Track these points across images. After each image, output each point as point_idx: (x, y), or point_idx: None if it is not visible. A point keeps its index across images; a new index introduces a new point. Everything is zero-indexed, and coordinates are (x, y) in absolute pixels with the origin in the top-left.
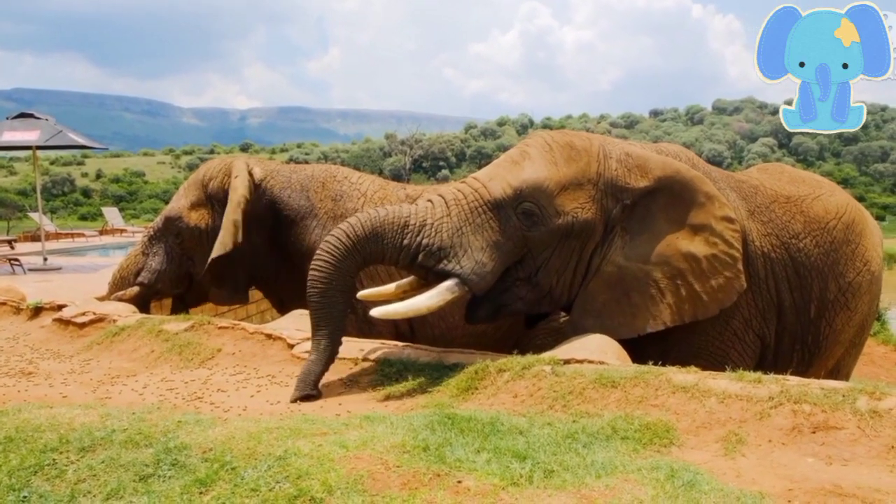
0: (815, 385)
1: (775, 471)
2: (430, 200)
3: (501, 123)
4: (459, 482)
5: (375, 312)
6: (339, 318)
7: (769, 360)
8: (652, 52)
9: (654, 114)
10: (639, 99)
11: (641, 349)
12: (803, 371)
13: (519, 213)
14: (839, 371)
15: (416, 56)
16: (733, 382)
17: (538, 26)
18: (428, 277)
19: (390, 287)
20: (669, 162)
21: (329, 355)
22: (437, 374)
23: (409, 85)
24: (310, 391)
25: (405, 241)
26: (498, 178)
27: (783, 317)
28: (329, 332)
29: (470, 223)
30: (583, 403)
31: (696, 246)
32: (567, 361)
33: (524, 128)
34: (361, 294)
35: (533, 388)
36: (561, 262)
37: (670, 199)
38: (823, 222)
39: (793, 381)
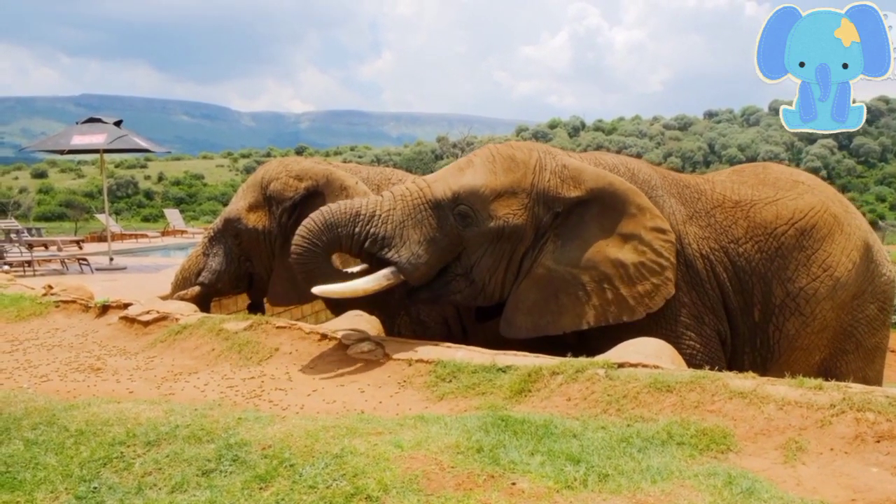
0: (880, 392)
1: (837, 480)
2: (382, 196)
3: (553, 126)
4: (514, 484)
5: (315, 290)
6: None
7: (727, 360)
8: (704, 52)
9: (709, 115)
10: (692, 100)
11: (591, 347)
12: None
13: (455, 213)
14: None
15: (466, 59)
16: (793, 389)
17: (587, 27)
18: (372, 263)
19: (354, 269)
20: (604, 174)
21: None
22: (490, 375)
23: (460, 88)
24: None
25: (356, 230)
26: (441, 181)
27: (731, 317)
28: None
29: (411, 218)
30: (637, 408)
31: (625, 253)
32: (621, 365)
33: (576, 130)
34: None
35: (587, 391)
36: (493, 261)
37: (603, 209)
38: (770, 227)
39: (855, 388)
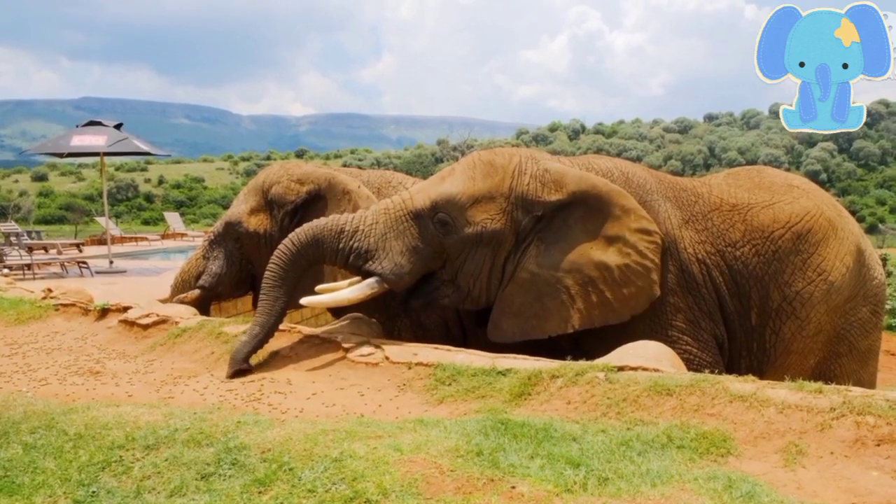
0: (880, 396)
1: (838, 484)
2: (368, 211)
3: (553, 129)
4: (513, 487)
5: (303, 301)
6: (279, 311)
7: (725, 364)
8: (704, 55)
9: (709, 118)
10: (692, 103)
11: (587, 350)
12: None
13: (435, 222)
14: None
15: (466, 62)
16: (793, 392)
17: (587, 31)
18: (361, 275)
19: (343, 283)
20: (587, 177)
21: (260, 340)
22: (490, 379)
23: (461, 91)
24: (240, 367)
25: (340, 245)
26: (423, 192)
27: (728, 321)
28: (265, 320)
29: (393, 230)
30: (637, 411)
31: (609, 256)
32: (621, 368)
33: (576, 133)
34: (318, 288)
35: (586, 394)
36: (475, 266)
37: (586, 212)
38: (768, 231)
39: (855, 391)
